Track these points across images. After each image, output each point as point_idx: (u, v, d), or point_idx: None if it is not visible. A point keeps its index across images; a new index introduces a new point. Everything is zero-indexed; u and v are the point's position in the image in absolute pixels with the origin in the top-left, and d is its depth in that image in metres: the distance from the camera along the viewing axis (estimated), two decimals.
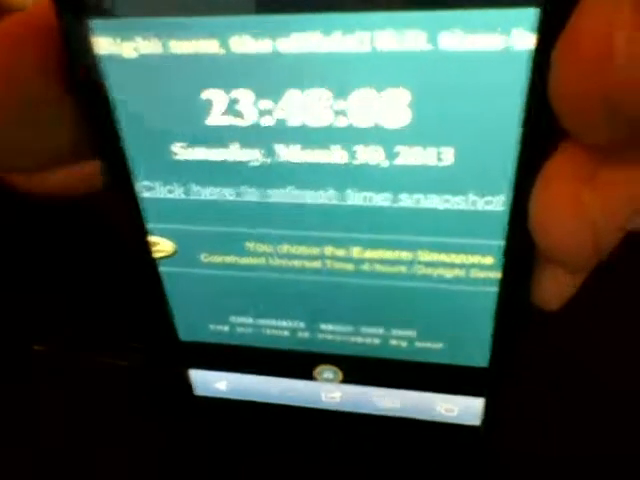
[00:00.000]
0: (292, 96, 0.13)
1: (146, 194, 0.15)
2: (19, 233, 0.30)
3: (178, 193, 0.15)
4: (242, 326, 0.18)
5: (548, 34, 0.11)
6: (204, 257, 0.16)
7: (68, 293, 0.30)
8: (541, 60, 0.11)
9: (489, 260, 0.15)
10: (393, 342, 0.17)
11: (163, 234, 0.16)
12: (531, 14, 0.11)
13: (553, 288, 0.14)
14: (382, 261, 0.15)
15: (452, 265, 0.15)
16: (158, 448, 0.24)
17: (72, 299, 0.30)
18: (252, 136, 0.14)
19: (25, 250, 0.30)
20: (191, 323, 0.18)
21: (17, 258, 0.30)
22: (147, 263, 0.17)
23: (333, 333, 0.17)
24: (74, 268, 0.30)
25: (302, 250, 0.16)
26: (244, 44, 0.13)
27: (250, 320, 0.18)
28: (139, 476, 0.24)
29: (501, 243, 0.14)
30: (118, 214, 0.16)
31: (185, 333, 0.19)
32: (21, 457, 0.25)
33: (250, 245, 0.16)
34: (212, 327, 0.18)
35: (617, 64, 0.10)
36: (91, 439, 0.25)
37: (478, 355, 0.17)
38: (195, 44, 0.13)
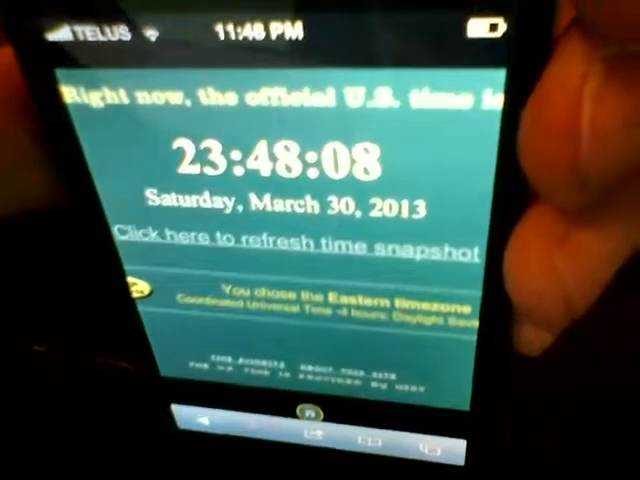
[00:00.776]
0: (261, 147, 0.13)
1: (120, 237, 0.15)
2: (19, 233, 0.30)
3: (152, 237, 0.15)
4: (222, 364, 0.18)
5: (517, 93, 0.11)
6: (181, 298, 0.16)
7: (68, 293, 0.30)
8: (510, 119, 0.11)
9: (467, 309, 0.14)
10: (373, 384, 0.17)
11: (139, 275, 0.16)
12: (499, 75, 0.11)
13: (533, 338, 0.14)
14: (360, 307, 0.15)
15: (430, 313, 0.15)
16: (158, 448, 0.24)
17: (72, 299, 0.30)
18: (223, 185, 0.14)
19: (25, 250, 0.30)
20: (171, 360, 0.18)
21: (17, 258, 0.30)
22: (125, 302, 0.17)
23: (314, 374, 0.17)
24: (74, 268, 0.30)
25: (279, 294, 0.15)
26: (211, 96, 0.12)
27: (230, 359, 0.17)
28: (139, 476, 0.24)
29: (478, 293, 0.14)
30: (94, 256, 0.16)
31: (165, 369, 0.18)
32: (21, 457, 0.25)
33: (227, 288, 0.16)
34: (192, 364, 0.18)
35: (584, 133, 0.09)
36: (91, 439, 0.25)
37: (459, 398, 0.16)
38: (161, 95, 0.12)
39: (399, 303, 0.15)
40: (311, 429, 0.19)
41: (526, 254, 0.12)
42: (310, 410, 0.18)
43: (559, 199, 0.11)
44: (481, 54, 0.11)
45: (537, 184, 0.11)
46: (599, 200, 0.10)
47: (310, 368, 0.17)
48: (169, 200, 0.14)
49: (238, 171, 0.13)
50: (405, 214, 0.13)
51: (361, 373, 0.17)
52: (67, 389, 0.27)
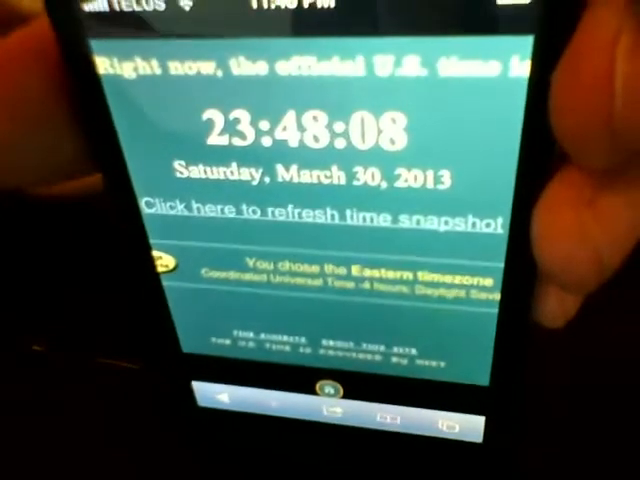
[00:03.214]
0: (290, 118, 0.13)
1: (147, 210, 0.15)
2: (20, 233, 0.31)
3: (179, 210, 0.15)
4: (244, 340, 0.18)
5: (544, 60, 0.11)
6: (205, 272, 0.16)
7: (68, 293, 0.30)
8: (537, 86, 0.11)
9: (489, 282, 0.15)
10: (394, 359, 0.17)
11: (164, 249, 0.16)
12: (526, 41, 0.11)
13: (557, 307, 0.14)
14: (382, 280, 0.15)
15: (452, 286, 0.15)
16: (159, 449, 0.24)
17: (73, 299, 0.30)
18: (251, 156, 0.14)
19: (25, 250, 0.31)
20: (193, 335, 0.18)
21: (17, 258, 0.31)
22: (149, 277, 0.17)
23: (334, 349, 0.17)
24: (75, 268, 0.30)
25: (303, 268, 0.16)
26: (242, 66, 0.13)
27: (252, 334, 0.18)
28: (140, 477, 0.24)
29: (501, 265, 0.14)
30: (121, 229, 0.16)
31: (187, 345, 0.19)
32: (21, 457, 0.25)
33: (251, 262, 0.16)
34: (214, 340, 0.18)
35: (618, 90, 0.09)
36: (91, 439, 0.25)
37: (479, 374, 0.17)
38: (193, 65, 0.13)
39: (421, 276, 0.15)
40: (330, 406, 0.19)
41: (556, 217, 0.12)
42: (330, 387, 0.18)
43: (590, 160, 0.11)
44: (509, 21, 0.11)
45: (568, 145, 0.11)
46: (628, 162, 0.11)
47: (331, 343, 0.17)
48: (197, 172, 0.14)
49: (266, 142, 0.13)
50: (430, 185, 0.13)
51: (382, 348, 0.17)
52: (67, 389, 0.27)
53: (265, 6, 0.12)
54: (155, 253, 0.16)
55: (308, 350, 0.18)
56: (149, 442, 0.25)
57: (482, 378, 0.17)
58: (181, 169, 0.14)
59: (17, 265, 0.31)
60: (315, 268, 0.16)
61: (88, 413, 0.26)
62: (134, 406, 0.26)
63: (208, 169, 0.14)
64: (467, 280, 0.15)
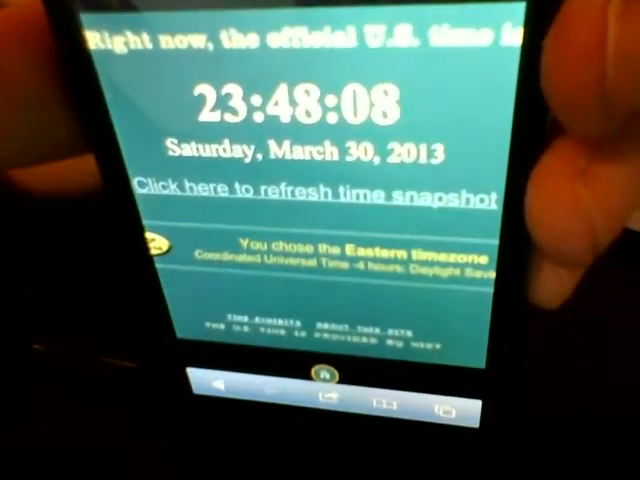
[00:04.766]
0: (282, 91, 0.13)
1: (140, 190, 0.15)
2: (19, 232, 0.31)
3: (172, 189, 0.15)
4: (238, 324, 0.18)
5: (536, 28, 0.11)
6: (198, 254, 0.16)
7: (68, 293, 0.30)
8: (530, 55, 0.11)
9: (484, 259, 0.15)
10: (389, 342, 0.17)
11: (158, 231, 0.16)
12: (518, 8, 0.11)
13: (552, 286, 0.14)
14: (376, 260, 0.15)
15: (447, 264, 0.15)
16: (159, 449, 0.24)
17: (72, 299, 0.30)
18: (243, 132, 0.14)
19: (25, 250, 0.31)
20: (187, 320, 0.18)
21: (17, 258, 0.30)
22: (143, 260, 0.17)
23: (329, 332, 0.17)
24: (74, 267, 0.30)
25: (297, 248, 0.16)
26: (233, 38, 0.12)
27: (246, 318, 0.18)
28: (139, 477, 0.24)
29: (495, 242, 0.14)
30: (113, 211, 0.16)
31: (182, 330, 0.19)
32: (20, 457, 0.25)
33: (244, 242, 0.16)
34: (208, 325, 0.18)
35: (610, 53, 0.09)
36: (91, 440, 0.25)
37: (475, 356, 0.17)
38: (184, 39, 0.13)
39: (416, 255, 0.15)
40: (326, 392, 0.19)
41: (549, 189, 0.12)
42: (325, 371, 0.18)
43: (583, 127, 0.11)
44: None
45: (561, 113, 0.11)
46: (622, 131, 0.11)
47: (326, 326, 0.17)
48: (189, 150, 0.14)
49: (258, 117, 0.13)
50: (423, 159, 0.13)
51: (377, 331, 0.17)
52: (67, 389, 0.27)
53: None
54: (148, 235, 0.16)
55: (303, 334, 0.17)
56: (149, 442, 0.25)
57: (478, 360, 0.17)
58: (173, 147, 0.14)
59: (17, 264, 0.31)
60: (309, 248, 0.15)
61: (88, 413, 0.26)
62: (134, 405, 0.26)
63: (200, 147, 0.14)
64: (462, 258, 0.15)
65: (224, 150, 0.14)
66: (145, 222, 0.16)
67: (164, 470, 0.24)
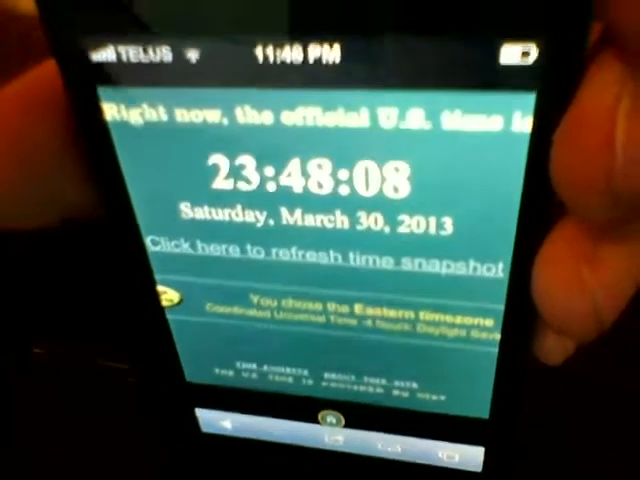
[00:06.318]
0: (294, 165, 0.13)
1: (153, 248, 0.16)
2: (19, 234, 0.31)
3: (184, 248, 0.15)
4: (247, 371, 0.18)
5: (545, 117, 0.11)
6: (209, 307, 0.17)
7: (68, 293, 0.30)
8: (539, 141, 0.11)
9: (489, 322, 0.15)
10: (395, 392, 0.17)
11: (169, 284, 0.16)
12: (528, 98, 0.11)
13: (557, 347, 0.14)
14: (384, 318, 0.16)
15: (453, 325, 0.15)
16: (158, 449, 0.25)
17: (73, 300, 0.30)
18: (256, 200, 0.14)
19: (25, 250, 0.31)
20: (197, 366, 0.19)
21: (17, 258, 0.31)
22: (154, 310, 0.17)
23: (336, 381, 0.18)
24: (74, 267, 0.30)
25: (306, 305, 0.16)
26: (247, 115, 0.13)
27: (255, 366, 0.18)
28: (141, 477, 0.24)
29: (501, 307, 0.14)
30: (124, 265, 0.16)
31: (191, 375, 0.19)
32: (20, 457, 0.25)
33: (254, 298, 0.16)
34: (217, 371, 0.18)
35: (618, 153, 0.10)
36: (91, 440, 0.25)
37: (479, 407, 0.17)
38: (199, 113, 0.13)
39: (423, 315, 0.15)
40: (332, 434, 0.19)
41: (555, 270, 0.12)
42: (331, 416, 0.19)
43: (589, 214, 0.11)
44: (512, 79, 0.11)
45: (568, 201, 0.11)
46: (626, 216, 0.11)
47: (333, 376, 0.17)
48: (202, 213, 0.15)
49: (271, 187, 0.14)
50: (432, 231, 0.13)
51: (383, 382, 0.17)
52: (67, 390, 0.27)
53: (271, 59, 0.12)
54: (160, 288, 0.17)
55: (310, 382, 0.18)
56: (149, 442, 0.25)
57: (482, 411, 0.17)
58: (186, 210, 0.15)
59: (17, 266, 0.31)
60: (318, 305, 0.16)
61: (88, 413, 0.26)
62: (134, 407, 0.26)
63: (213, 211, 0.14)
64: (468, 320, 0.15)
65: (236, 215, 0.14)
66: (157, 276, 0.16)
67: (164, 471, 0.24)
